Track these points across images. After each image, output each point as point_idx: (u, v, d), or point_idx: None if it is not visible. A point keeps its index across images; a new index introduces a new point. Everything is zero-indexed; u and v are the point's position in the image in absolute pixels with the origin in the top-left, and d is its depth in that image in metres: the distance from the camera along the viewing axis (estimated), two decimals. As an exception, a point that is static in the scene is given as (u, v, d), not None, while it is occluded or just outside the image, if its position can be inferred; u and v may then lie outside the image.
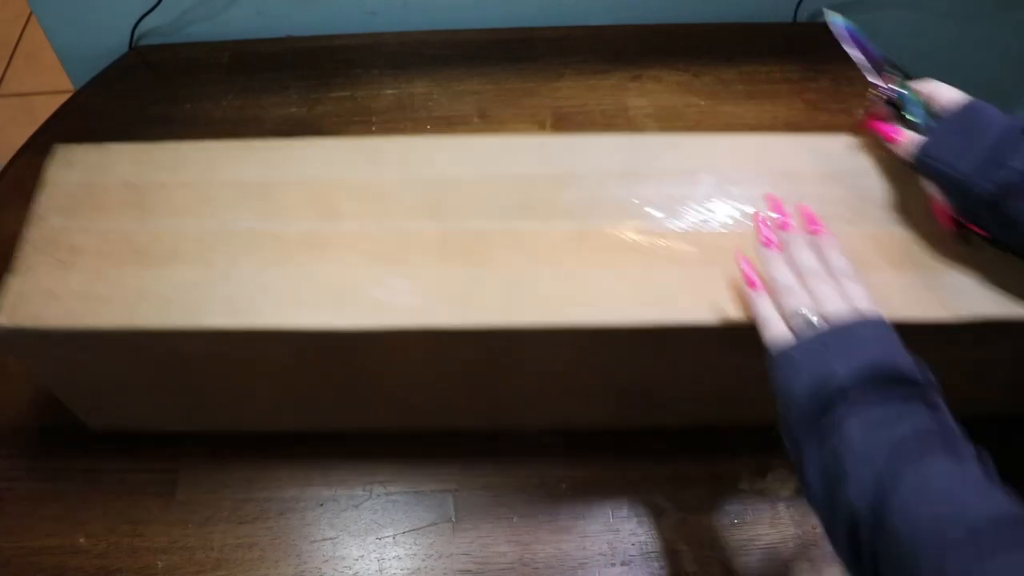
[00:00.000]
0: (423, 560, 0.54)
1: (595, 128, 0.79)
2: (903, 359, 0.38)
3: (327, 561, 0.54)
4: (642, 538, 0.55)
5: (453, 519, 0.56)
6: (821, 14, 0.93)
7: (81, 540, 0.55)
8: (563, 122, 0.80)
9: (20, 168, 0.77)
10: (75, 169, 0.55)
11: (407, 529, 0.56)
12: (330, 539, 0.55)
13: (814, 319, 0.41)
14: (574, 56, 0.86)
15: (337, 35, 0.88)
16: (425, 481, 0.57)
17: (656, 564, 0.54)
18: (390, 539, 0.55)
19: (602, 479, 0.57)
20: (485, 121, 0.80)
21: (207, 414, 0.58)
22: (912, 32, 0.95)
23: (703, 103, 0.82)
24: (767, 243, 0.45)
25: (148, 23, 0.87)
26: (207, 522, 0.56)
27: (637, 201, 0.53)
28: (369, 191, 0.53)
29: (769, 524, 0.56)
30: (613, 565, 0.54)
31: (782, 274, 0.43)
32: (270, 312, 0.48)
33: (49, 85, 1.42)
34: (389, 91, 0.83)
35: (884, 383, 0.37)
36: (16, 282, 0.49)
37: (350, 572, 0.54)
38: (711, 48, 0.87)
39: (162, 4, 0.84)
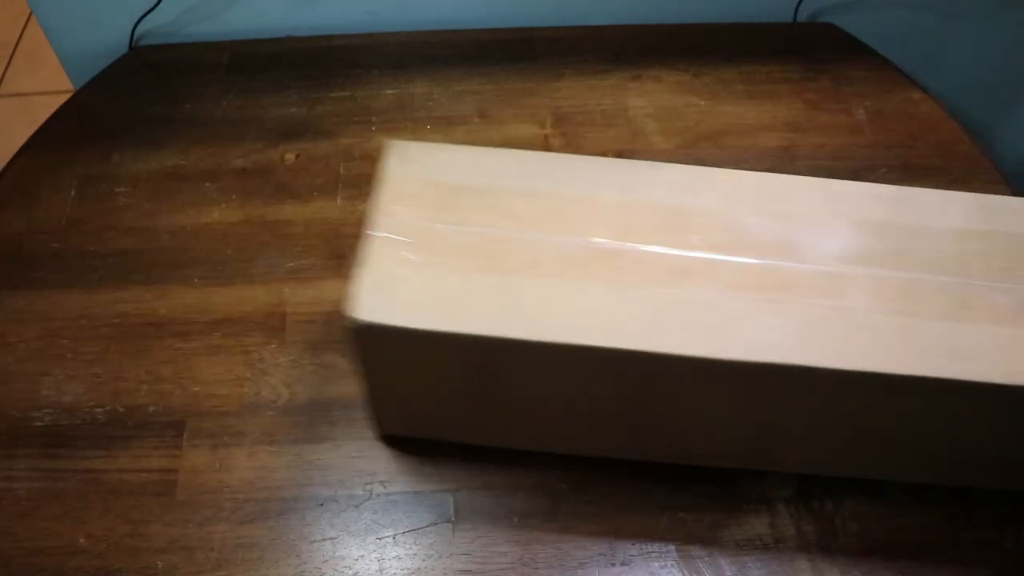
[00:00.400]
0: (423, 560, 0.54)
1: (595, 128, 0.79)
2: None
3: (327, 561, 0.54)
4: (642, 538, 0.55)
5: (453, 519, 0.56)
6: (821, 14, 0.93)
7: (81, 540, 0.55)
8: (563, 122, 0.80)
9: (20, 168, 0.77)
10: (413, 165, 0.53)
11: (407, 529, 0.56)
12: (330, 539, 0.55)
13: None
14: (574, 56, 0.86)
15: (337, 35, 0.88)
16: (425, 481, 0.57)
17: (656, 564, 0.54)
18: (390, 539, 0.55)
19: (602, 478, 0.57)
20: (485, 121, 0.80)
21: (500, 429, 0.56)
22: (912, 32, 0.95)
23: (703, 103, 0.82)
24: None
25: (148, 23, 0.87)
26: (207, 522, 0.56)
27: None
28: (712, 220, 0.52)
29: (769, 524, 0.55)
30: (613, 565, 0.54)
31: None
32: (637, 335, 0.46)
33: (49, 85, 1.42)
34: (389, 91, 0.83)
35: None
36: (368, 277, 0.47)
37: (350, 572, 0.54)
38: (711, 48, 0.87)
39: (162, 4, 0.84)
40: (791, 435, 0.54)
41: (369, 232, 0.49)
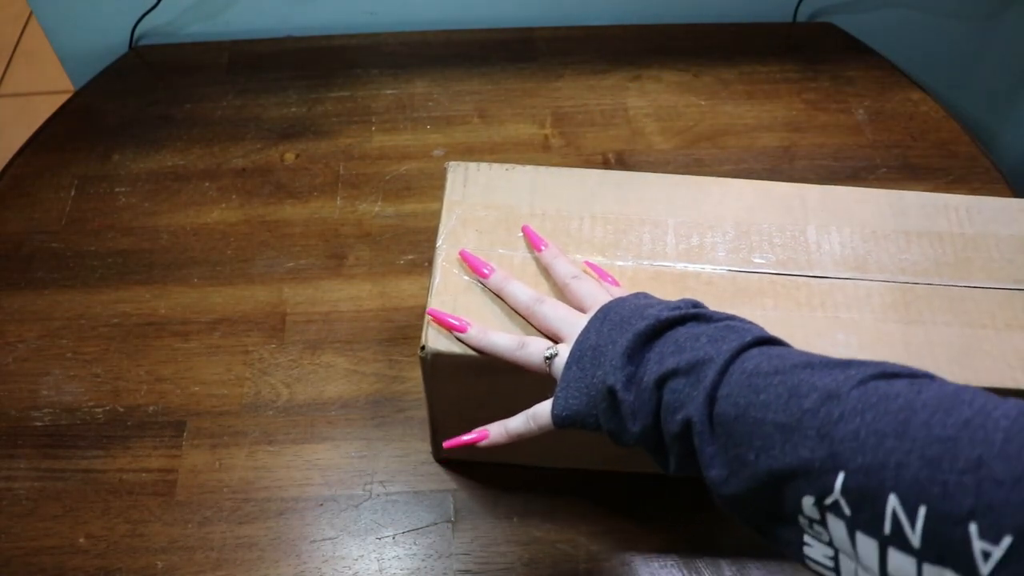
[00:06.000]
0: (423, 560, 0.54)
1: (595, 128, 0.79)
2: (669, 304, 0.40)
3: (327, 561, 0.54)
4: (642, 538, 0.55)
5: (453, 519, 0.56)
6: (821, 14, 0.93)
7: (81, 540, 0.55)
8: (563, 122, 0.80)
9: (20, 168, 0.77)
10: (477, 188, 0.53)
11: (407, 529, 0.56)
12: (330, 539, 0.55)
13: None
14: (574, 56, 0.86)
15: (337, 35, 0.88)
16: (425, 481, 0.57)
17: (656, 564, 0.54)
18: (390, 539, 0.55)
19: (602, 478, 0.57)
20: (485, 121, 0.80)
21: (560, 452, 0.56)
22: (912, 32, 0.95)
23: (703, 103, 0.82)
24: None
25: (148, 23, 0.87)
26: (207, 522, 0.56)
27: None
28: (779, 237, 0.51)
29: (769, 524, 0.56)
30: (613, 565, 0.54)
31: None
32: None
33: (49, 85, 1.42)
34: (389, 91, 0.83)
35: (666, 326, 0.38)
36: (440, 306, 0.47)
37: (350, 572, 0.54)
38: (711, 48, 0.87)
39: (162, 4, 0.84)
40: None
41: (438, 260, 0.49)
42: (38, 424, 0.60)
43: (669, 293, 0.46)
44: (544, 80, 0.84)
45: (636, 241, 0.51)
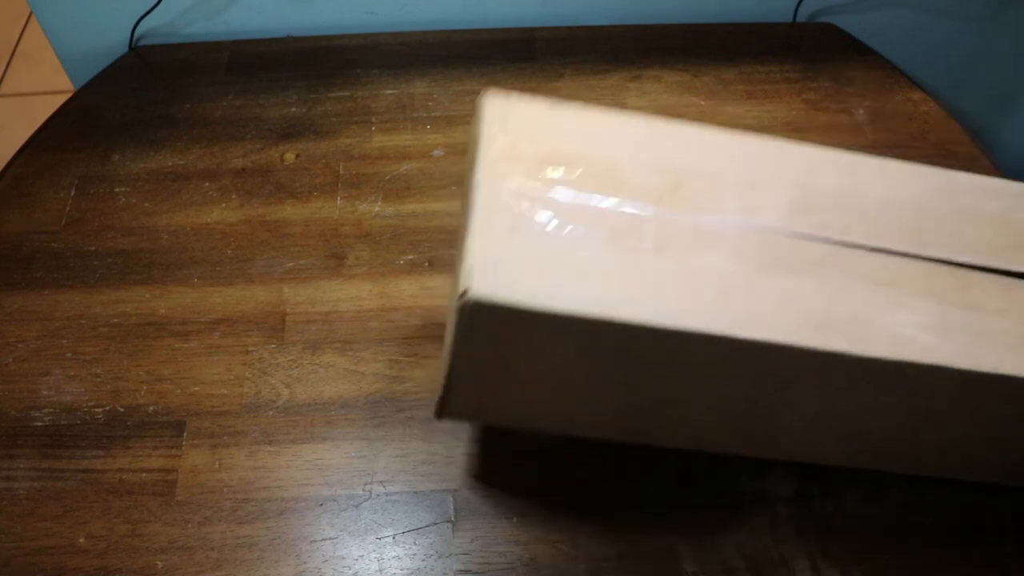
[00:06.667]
0: (423, 560, 0.54)
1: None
2: None
3: (327, 561, 0.54)
4: (641, 538, 0.55)
5: (453, 519, 0.56)
6: (821, 14, 0.93)
7: (81, 540, 0.55)
8: (563, 122, 0.80)
9: (20, 168, 0.77)
10: (518, 122, 0.47)
11: (407, 529, 0.56)
12: (330, 539, 0.55)
13: None
14: (574, 56, 0.86)
15: (337, 35, 0.88)
16: (425, 481, 0.57)
17: (656, 564, 0.54)
18: (390, 539, 0.55)
19: (602, 478, 0.57)
20: (485, 121, 0.80)
21: (563, 418, 0.52)
22: (912, 32, 0.95)
23: (703, 103, 0.82)
24: None
25: (148, 23, 0.87)
26: (207, 522, 0.56)
27: None
28: (850, 204, 0.48)
29: (769, 524, 0.55)
30: (613, 566, 0.54)
31: None
32: (769, 325, 0.43)
33: (49, 85, 1.42)
34: (389, 91, 0.83)
35: None
36: (484, 247, 0.42)
37: (350, 572, 0.54)
38: (711, 48, 0.87)
39: (162, 4, 0.84)
40: (838, 428, 0.52)
41: (477, 196, 0.44)
42: (38, 424, 0.60)
43: (725, 252, 0.44)
44: (544, 80, 0.84)
45: (693, 192, 0.47)
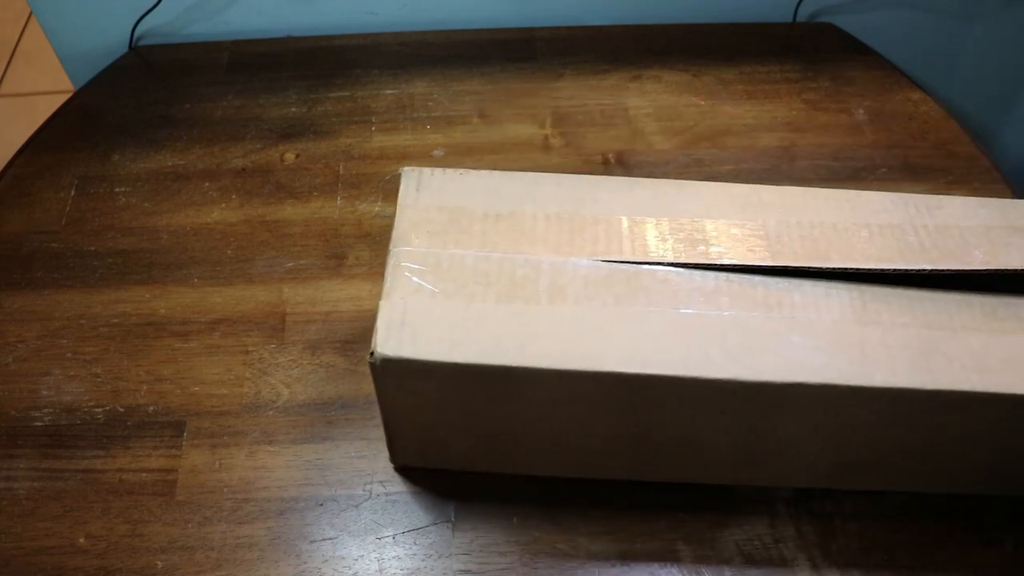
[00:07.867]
0: (423, 560, 0.54)
1: (595, 128, 0.79)
2: None
3: (327, 561, 0.54)
4: (642, 538, 0.55)
5: (453, 519, 0.56)
6: (821, 14, 0.93)
7: (81, 540, 0.55)
8: (563, 122, 0.80)
9: (20, 168, 0.77)
10: (429, 192, 0.53)
11: (407, 529, 0.56)
12: (330, 539, 0.55)
13: None
14: (574, 56, 0.86)
15: (337, 35, 0.88)
16: (425, 481, 0.57)
17: (655, 564, 0.54)
18: (390, 539, 0.55)
19: (602, 479, 0.57)
20: (485, 121, 0.80)
21: (515, 458, 0.56)
22: (912, 32, 0.95)
23: (703, 103, 0.82)
24: None
25: (148, 23, 0.87)
26: (207, 522, 0.56)
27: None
28: (730, 237, 0.51)
29: (769, 524, 0.55)
30: (613, 565, 0.54)
31: None
32: (664, 360, 0.46)
33: (49, 85, 1.42)
34: (389, 91, 0.83)
35: None
36: (388, 310, 0.47)
37: (350, 572, 0.54)
38: (711, 48, 0.87)
39: (162, 4, 0.84)
40: (795, 450, 0.53)
41: (389, 264, 0.49)
42: (38, 424, 0.60)
43: (623, 292, 0.47)
44: (544, 80, 0.84)
45: (591, 239, 0.51)
